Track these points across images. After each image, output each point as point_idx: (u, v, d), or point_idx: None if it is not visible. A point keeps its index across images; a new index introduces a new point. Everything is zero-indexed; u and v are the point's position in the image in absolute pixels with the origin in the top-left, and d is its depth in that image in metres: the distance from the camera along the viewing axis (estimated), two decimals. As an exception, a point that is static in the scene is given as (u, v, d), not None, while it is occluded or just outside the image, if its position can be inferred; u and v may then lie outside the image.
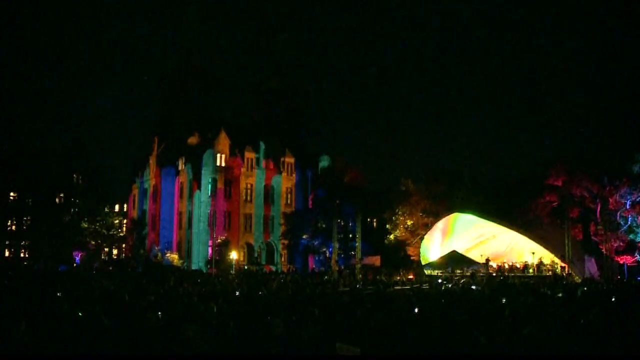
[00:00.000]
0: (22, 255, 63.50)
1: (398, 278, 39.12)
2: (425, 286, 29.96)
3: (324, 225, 53.32)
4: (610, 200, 41.12)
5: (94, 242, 59.84)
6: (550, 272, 41.42)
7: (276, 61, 75.04)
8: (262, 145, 66.25)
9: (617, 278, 38.42)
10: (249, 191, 65.28)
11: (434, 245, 49.64)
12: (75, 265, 55.34)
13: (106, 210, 65.46)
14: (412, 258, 52.06)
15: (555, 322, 10.43)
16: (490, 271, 42.14)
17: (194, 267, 56.25)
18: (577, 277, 37.65)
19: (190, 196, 62.94)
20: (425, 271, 44.92)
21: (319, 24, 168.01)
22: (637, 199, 40.71)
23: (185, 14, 70.75)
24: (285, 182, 67.51)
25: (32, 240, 60.78)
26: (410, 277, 40.60)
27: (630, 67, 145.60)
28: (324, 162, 65.97)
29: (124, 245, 67.78)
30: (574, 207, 41.82)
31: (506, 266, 44.90)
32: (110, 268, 51.67)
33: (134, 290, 19.23)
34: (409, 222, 55.73)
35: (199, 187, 62.15)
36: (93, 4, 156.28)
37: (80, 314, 10.21)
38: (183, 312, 11.64)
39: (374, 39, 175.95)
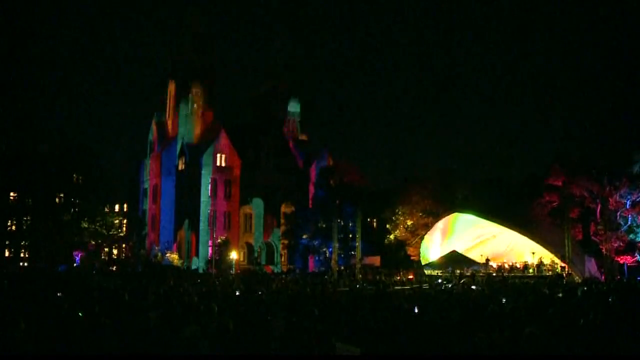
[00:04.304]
0: (22, 255, 63.44)
1: (398, 278, 39.11)
2: (425, 286, 29.91)
3: (324, 225, 53.32)
4: (610, 200, 41.04)
5: (94, 242, 59.79)
6: (550, 272, 41.35)
7: (273, 63, 74.99)
8: (262, 145, 66.25)
9: (617, 278, 38.36)
10: (249, 191, 65.23)
11: (434, 245, 49.64)
12: (75, 265, 55.30)
13: (106, 210, 65.45)
14: (412, 258, 52.03)
15: (555, 322, 10.41)
16: (490, 271, 42.12)
17: (194, 267, 56.30)
18: (577, 277, 37.62)
19: (190, 196, 62.90)
20: (425, 271, 44.89)
21: (320, 23, 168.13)
22: (637, 199, 40.65)
23: (186, 16, 70.60)
24: (285, 182, 67.42)
25: (32, 240, 60.74)
26: (410, 277, 40.56)
27: (630, 67, 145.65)
28: (324, 162, 65.96)
29: (124, 245, 67.78)
30: (574, 207, 41.75)
31: (506, 266, 44.88)
32: (114, 268, 51.66)
33: (134, 290, 19.21)
34: (409, 222, 55.68)
35: (199, 187, 62.11)
36: (92, 5, 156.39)
37: (80, 314, 10.19)
38: (183, 312, 11.62)
39: (375, 38, 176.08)
